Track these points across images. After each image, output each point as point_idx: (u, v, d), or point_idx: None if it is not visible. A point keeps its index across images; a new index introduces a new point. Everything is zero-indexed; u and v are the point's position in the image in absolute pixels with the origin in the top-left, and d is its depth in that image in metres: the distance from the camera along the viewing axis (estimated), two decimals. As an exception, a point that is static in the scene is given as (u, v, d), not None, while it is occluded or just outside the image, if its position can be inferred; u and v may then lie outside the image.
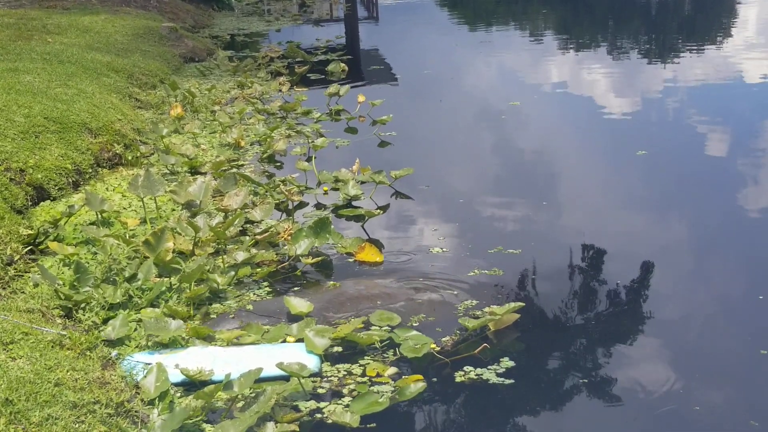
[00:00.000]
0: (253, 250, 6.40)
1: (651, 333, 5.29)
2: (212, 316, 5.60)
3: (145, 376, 4.64)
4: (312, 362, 4.86)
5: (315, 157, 8.79)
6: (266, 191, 7.78)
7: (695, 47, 15.56)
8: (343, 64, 13.70)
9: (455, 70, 14.35)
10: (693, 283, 6.01)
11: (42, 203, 7.25)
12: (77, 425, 3.97)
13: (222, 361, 4.91)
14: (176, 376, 4.74)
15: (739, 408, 4.39)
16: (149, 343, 5.17)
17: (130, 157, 8.63)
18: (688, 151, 8.97)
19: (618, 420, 4.40)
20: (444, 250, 6.56)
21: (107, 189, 7.82)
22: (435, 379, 4.74)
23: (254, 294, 5.90)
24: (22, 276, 5.90)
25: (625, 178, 8.21)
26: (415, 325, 5.37)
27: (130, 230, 6.86)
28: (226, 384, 4.51)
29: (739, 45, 15.15)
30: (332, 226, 6.64)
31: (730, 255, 6.38)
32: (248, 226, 7.00)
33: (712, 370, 4.78)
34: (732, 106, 10.73)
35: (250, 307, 5.66)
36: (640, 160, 8.54)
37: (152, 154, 8.98)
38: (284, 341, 5.23)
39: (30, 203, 7.13)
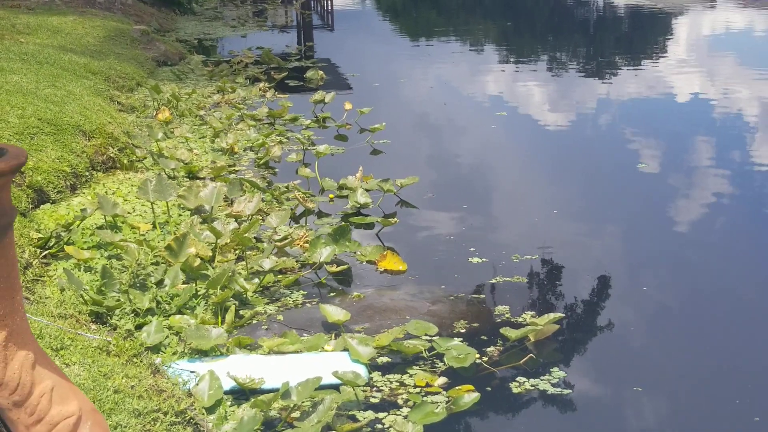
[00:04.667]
0: (273, 258, 6.32)
1: (682, 335, 5.37)
2: (244, 325, 5.51)
3: (197, 384, 4.55)
4: (360, 371, 4.81)
5: (316, 164, 8.71)
6: (273, 197, 7.70)
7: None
8: (321, 72, 13.66)
9: (434, 81, 14.43)
10: (720, 286, 6.09)
11: (42, 206, 7.08)
12: (145, 434, 3.88)
13: (266, 369, 4.83)
14: (224, 384, 4.66)
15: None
16: (186, 350, 5.07)
17: (125, 161, 8.47)
18: (691, 163, 9.12)
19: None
20: (463, 257, 6.56)
21: (106, 193, 7.67)
22: (489, 389, 4.72)
23: (290, 301, 5.83)
24: (39, 281, 5.75)
25: (628, 190, 8.31)
26: (461, 332, 5.36)
27: (141, 235, 6.73)
28: (284, 393, 4.44)
29: (671, 62, 15.52)
30: (351, 234, 6.59)
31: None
32: (261, 232, 6.93)
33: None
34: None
35: (280, 317, 5.58)
36: (639, 174, 8.66)
37: (145, 158, 8.82)
38: (322, 350, 5.17)
39: (31, 206, 6.95)
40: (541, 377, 4.81)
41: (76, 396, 2.21)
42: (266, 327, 5.45)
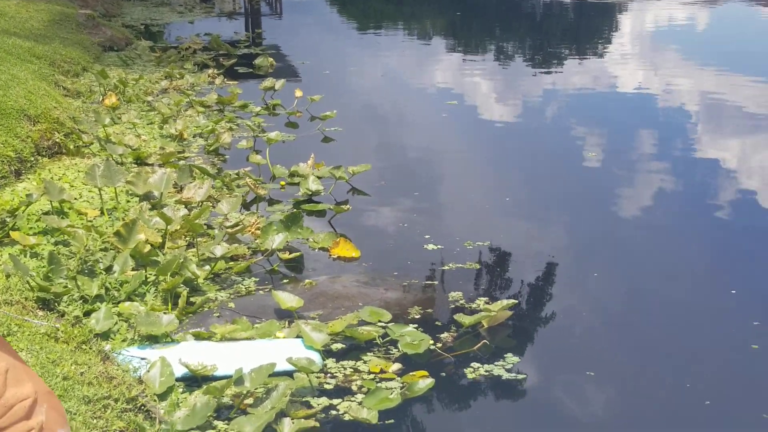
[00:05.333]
0: (225, 244, 6.25)
1: (618, 317, 5.41)
2: (195, 312, 5.43)
3: (148, 371, 4.47)
4: (314, 358, 4.77)
5: (267, 151, 8.63)
6: (224, 184, 7.61)
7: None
8: (271, 59, 13.55)
9: (384, 70, 14.41)
10: (642, 273, 6.14)
11: (-15, 192, 6.92)
12: (95, 420, 3.80)
13: (219, 356, 4.77)
14: (176, 371, 4.59)
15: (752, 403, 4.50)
16: (136, 337, 4.99)
17: (72, 147, 8.31)
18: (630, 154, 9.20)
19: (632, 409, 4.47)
20: (416, 244, 6.54)
21: (52, 178, 7.51)
22: (443, 375, 4.71)
23: (243, 288, 5.76)
24: (-18, 267, 5.62)
25: (578, 178, 8.35)
26: (415, 318, 5.34)
27: (88, 221, 6.61)
28: (237, 379, 4.38)
29: (616, 54, 15.70)
30: (303, 221, 6.54)
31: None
32: (212, 219, 6.85)
33: (714, 362, 4.90)
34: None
35: (232, 304, 5.50)
36: (588, 163, 8.72)
37: (92, 143, 8.66)
38: (275, 337, 5.11)
39: (-26, 191, 6.80)
40: (495, 363, 4.81)
41: (31, 378, 2.14)
42: (218, 314, 5.36)
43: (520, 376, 4.69)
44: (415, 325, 5.23)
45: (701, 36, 18.53)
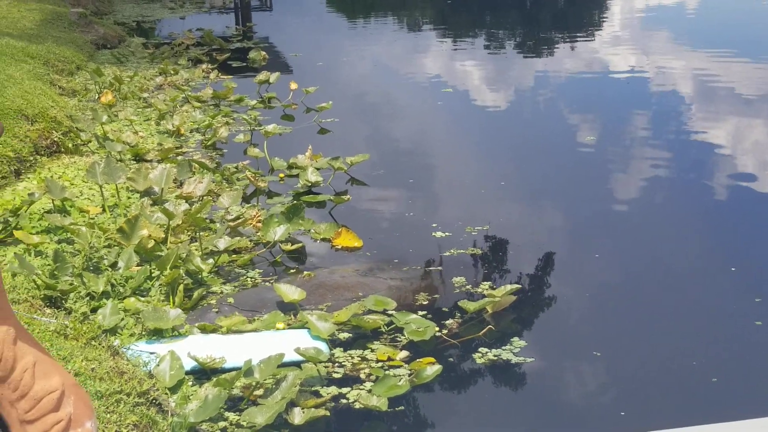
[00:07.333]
0: (227, 237, 6.27)
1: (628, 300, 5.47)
2: (197, 305, 5.46)
3: (157, 365, 4.51)
4: (321, 347, 4.81)
5: (265, 144, 8.65)
6: (223, 178, 7.64)
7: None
8: (264, 53, 13.57)
9: (377, 59, 14.42)
10: (643, 251, 6.19)
11: (-14, 192, 6.93)
12: (108, 415, 3.83)
13: (226, 348, 4.81)
14: (185, 364, 4.62)
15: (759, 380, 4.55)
16: (143, 332, 5.02)
17: (70, 145, 8.32)
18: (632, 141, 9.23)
19: (646, 390, 4.51)
20: (417, 231, 6.59)
21: (52, 177, 7.53)
22: (451, 360, 4.76)
23: (249, 280, 5.79)
24: (-13, 266, 5.64)
25: (575, 162, 8.39)
26: (420, 305, 5.38)
27: (90, 218, 6.64)
28: (247, 371, 4.42)
29: (607, 38, 15.76)
30: (304, 212, 6.57)
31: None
32: (213, 213, 6.88)
33: (720, 340, 4.95)
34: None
35: (231, 300, 5.52)
36: (586, 147, 8.76)
37: (90, 141, 8.68)
38: (277, 329, 5.15)
39: (-25, 192, 6.82)
40: (502, 347, 4.85)
41: (58, 371, 2.17)
42: (216, 310, 5.37)
43: (529, 360, 4.73)
44: (421, 313, 5.26)
45: (691, 18, 18.59)
